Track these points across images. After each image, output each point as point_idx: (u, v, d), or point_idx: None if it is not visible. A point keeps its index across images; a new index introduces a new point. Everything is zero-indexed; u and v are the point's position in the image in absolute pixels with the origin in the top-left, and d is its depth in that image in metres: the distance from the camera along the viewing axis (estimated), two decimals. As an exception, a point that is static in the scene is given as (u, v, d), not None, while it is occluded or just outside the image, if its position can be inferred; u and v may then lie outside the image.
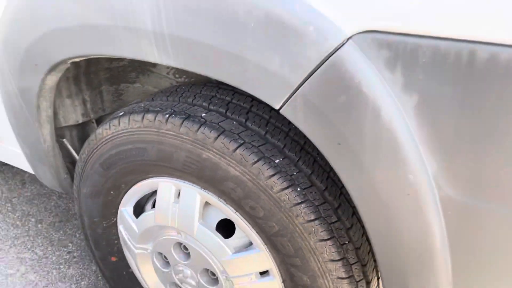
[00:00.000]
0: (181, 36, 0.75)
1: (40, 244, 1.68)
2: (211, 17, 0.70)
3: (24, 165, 1.33)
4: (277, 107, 0.71)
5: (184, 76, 1.22)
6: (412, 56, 0.58)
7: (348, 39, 0.60)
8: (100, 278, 1.54)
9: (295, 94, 0.67)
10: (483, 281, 0.71)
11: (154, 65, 1.27)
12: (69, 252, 1.65)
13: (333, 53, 0.61)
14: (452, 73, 0.57)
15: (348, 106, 0.64)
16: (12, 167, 2.00)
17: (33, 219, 1.79)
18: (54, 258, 1.62)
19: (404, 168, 0.64)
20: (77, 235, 1.72)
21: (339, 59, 0.62)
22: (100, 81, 1.25)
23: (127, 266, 1.22)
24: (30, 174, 1.73)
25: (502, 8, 0.53)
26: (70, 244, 1.68)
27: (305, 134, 0.72)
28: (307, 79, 0.65)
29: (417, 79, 0.59)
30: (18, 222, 1.78)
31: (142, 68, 1.27)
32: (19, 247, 1.66)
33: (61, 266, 1.59)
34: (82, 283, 1.53)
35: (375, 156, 0.65)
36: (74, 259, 1.62)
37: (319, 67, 0.63)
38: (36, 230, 1.75)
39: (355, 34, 0.60)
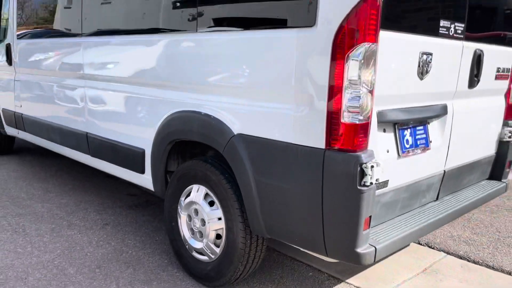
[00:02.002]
0: (200, 131, 2.66)
1: (147, 227, 3.55)
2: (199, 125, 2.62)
3: (149, 186, 3.25)
4: (221, 152, 2.53)
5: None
6: (248, 143, 2.39)
7: (234, 135, 2.44)
8: (167, 243, 3.31)
9: (224, 149, 2.50)
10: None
11: (209, 151, 3.19)
12: (156, 238, 3.48)
13: (231, 138, 2.45)
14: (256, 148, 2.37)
15: (232, 155, 2.44)
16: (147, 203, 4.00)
17: (148, 223, 3.70)
18: (146, 232, 3.46)
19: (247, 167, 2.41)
20: (162, 235, 3.55)
21: (233, 141, 2.44)
22: (186, 157, 3.19)
23: (178, 231, 2.99)
24: (152, 208, 3.70)
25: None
26: (157, 236, 3.52)
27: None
28: (226, 144, 2.48)
29: (249, 149, 2.39)
30: (148, 219, 3.70)
31: (204, 153, 3.20)
32: (139, 224, 3.56)
33: (151, 232, 3.42)
34: (157, 238, 3.32)
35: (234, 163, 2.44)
36: (157, 238, 3.44)
37: (228, 142, 2.46)
38: (151, 227, 3.63)
39: (236, 133, 2.44)
